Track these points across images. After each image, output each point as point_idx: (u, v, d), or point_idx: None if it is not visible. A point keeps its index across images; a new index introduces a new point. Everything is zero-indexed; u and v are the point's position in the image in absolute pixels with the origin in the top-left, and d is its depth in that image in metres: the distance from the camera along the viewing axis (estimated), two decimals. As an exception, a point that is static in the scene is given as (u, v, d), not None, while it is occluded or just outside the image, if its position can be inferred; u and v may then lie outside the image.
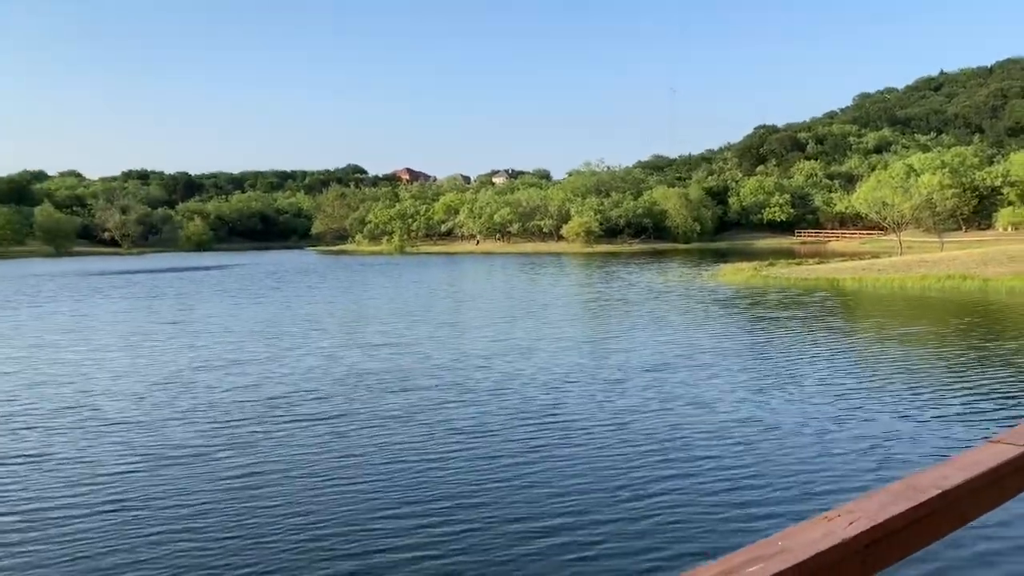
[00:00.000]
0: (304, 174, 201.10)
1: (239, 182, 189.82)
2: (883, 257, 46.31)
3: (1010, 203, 79.11)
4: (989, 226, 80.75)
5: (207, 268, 68.82)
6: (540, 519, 8.54)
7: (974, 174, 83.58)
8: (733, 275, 41.62)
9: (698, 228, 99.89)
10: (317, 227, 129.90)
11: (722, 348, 19.42)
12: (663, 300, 32.12)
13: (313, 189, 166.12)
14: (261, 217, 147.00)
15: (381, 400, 14.56)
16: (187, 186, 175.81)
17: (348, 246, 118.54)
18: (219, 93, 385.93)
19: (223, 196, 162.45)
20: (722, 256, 68.02)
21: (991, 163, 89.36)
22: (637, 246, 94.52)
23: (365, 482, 9.97)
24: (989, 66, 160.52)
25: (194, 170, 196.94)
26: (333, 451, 11.39)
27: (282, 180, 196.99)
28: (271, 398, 14.92)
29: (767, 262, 46.82)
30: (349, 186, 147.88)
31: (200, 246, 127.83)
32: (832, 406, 13.13)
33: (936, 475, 2.50)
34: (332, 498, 9.40)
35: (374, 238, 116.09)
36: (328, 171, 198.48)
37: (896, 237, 58.25)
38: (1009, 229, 76.36)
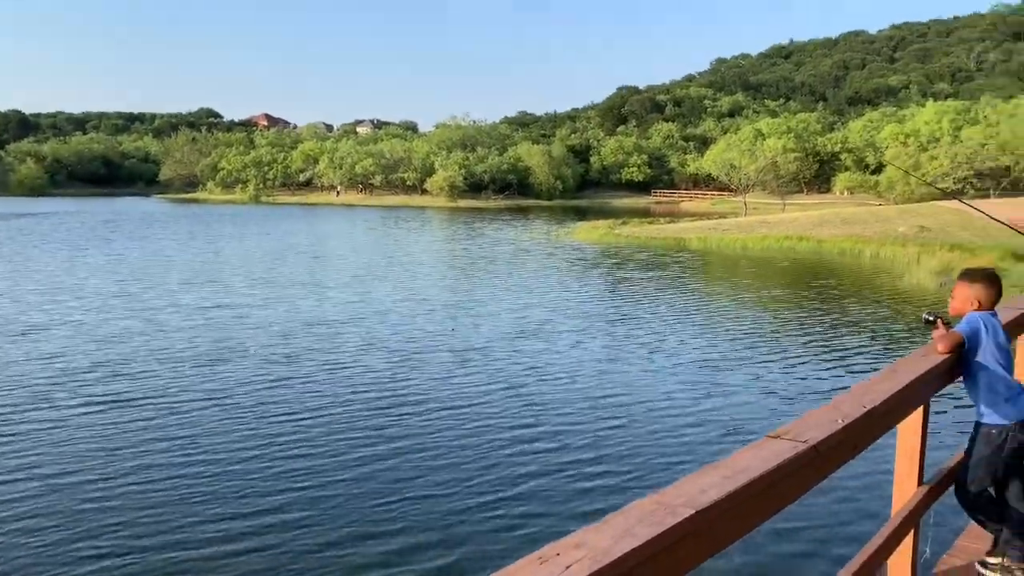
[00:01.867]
0: (153, 116, 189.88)
1: (81, 123, 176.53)
2: (729, 218, 48.21)
3: (847, 168, 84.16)
4: (828, 190, 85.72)
5: (36, 215, 63.24)
6: (377, 519, 7.46)
7: (816, 140, 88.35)
8: (588, 233, 42.21)
9: (560, 186, 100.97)
10: (165, 173, 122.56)
11: (583, 312, 18.98)
12: (523, 259, 31.81)
13: (162, 133, 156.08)
14: (104, 161, 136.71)
15: (196, 377, 12.68)
16: (20, 125, 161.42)
17: (199, 194, 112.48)
18: (60, 26, 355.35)
19: (62, 138, 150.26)
20: (582, 214, 68.90)
21: (832, 130, 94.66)
22: (501, 202, 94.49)
23: (159, 486, 8.36)
24: (834, 37, 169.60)
25: (29, 108, 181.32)
26: (120, 444, 9.52)
27: (129, 122, 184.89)
28: (61, 372, 12.91)
29: (621, 221, 47.88)
30: (201, 130, 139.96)
31: (34, 191, 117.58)
32: (694, 376, 12.73)
33: (693, 488, 2.06)
34: (108, 507, 7.71)
35: (227, 186, 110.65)
36: (179, 114, 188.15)
37: (742, 199, 60.79)
38: (846, 193, 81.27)
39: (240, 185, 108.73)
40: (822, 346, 14.97)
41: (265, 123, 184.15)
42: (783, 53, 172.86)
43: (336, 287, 23.60)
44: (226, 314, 18.63)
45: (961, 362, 3.65)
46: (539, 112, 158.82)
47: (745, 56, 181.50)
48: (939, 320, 3.79)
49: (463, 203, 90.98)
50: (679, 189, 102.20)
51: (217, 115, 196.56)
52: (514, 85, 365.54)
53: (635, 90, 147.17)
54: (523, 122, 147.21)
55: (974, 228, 29.36)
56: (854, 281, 24.25)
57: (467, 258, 32.57)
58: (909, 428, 3.58)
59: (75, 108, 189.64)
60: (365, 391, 11.95)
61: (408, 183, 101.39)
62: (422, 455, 9.19)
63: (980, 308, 3.65)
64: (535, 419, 10.52)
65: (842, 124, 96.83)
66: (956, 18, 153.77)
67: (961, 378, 3.71)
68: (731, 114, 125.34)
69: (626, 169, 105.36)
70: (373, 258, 32.51)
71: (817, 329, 16.64)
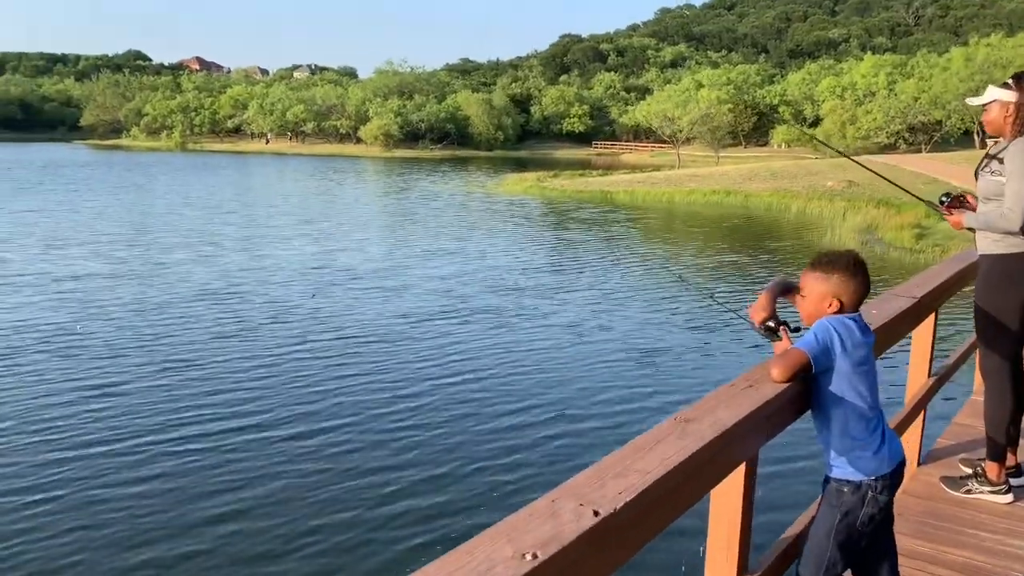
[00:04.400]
0: (77, 58, 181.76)
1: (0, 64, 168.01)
2: (663, 170, 47.31)
3: (785, 121, 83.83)
4: (766, 143, 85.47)
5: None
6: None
7: (755, 92, 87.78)
8: (514, 185, 40.90)
9: (501, 136, 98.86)
10: (87, 118, 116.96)
11: (496, 283, 16.86)
12: (445, 216, 29.65)
13: (86, 75, 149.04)
14: (21, 104, 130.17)
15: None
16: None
17: (123, 140, 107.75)
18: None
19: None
20: (523, 165, 67.09)
21: (772, 82, 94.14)
22: (439, 152, 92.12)
23: None
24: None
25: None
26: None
27: (51, 64, 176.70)
28: None
29: (552, 173, 46.68)
30: (124, 74, 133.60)
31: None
32: (604, 372, 10.65)
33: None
34: None
35: (152, 132, 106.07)
36: (106, 56, 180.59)
37: (676, 151, 59.92)
38: (783, 146, 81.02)
39: (166, 131, 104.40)
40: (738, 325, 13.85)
41: (197, 67, 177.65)
42: (726, 4, 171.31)
43: (229, 251, 20.62)
44: (84, 286, 15.81)
45: (808, 390, 2.51)
46: (481, 60, 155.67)
47: (689, 6, 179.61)
48: (783, 328, 2.64)
49: (399, 153, 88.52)
50: (620, 141, 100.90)
51: (146, 58, 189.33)
52: (458, 30, 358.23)
53: (578, 39, 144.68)
54: (464, 69, 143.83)
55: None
56: (777, 240, 23.39)
57: (387, 215, 30.71)
58: (723, 500, 2.43)
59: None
60: (193, 402, 9.20)
61: (341, 131, 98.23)
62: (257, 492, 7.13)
63: (842, 310, 2.49)
64: (415, 438, 8.33)
65: (783, 77, 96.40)
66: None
67: (810, 411, 2.59)
68: (674, 65, 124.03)
69: (567, 120, 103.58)
70: (287, 215, 29.72)
71: (731, 299, 15.64)
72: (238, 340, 11.91)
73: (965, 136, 61.16)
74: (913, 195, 4.86)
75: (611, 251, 21.06)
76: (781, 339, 2.57)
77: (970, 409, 5.25)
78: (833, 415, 2.43)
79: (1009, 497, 3.99)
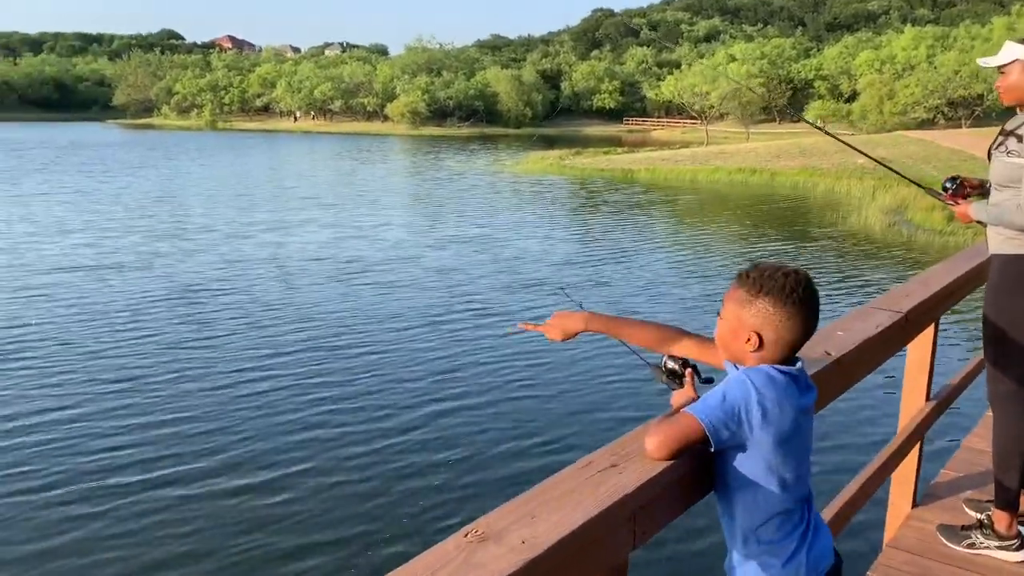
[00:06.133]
0: (112, 38, 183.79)
1: (36, 44, 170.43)
2: (692, 147, 45.99)
3: (820, 97, 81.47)
4: (801, 119, 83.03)
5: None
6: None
7: (790, 67, 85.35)
8: (534, 164, 39.76)
9: (529, 113, 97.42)
10: (119, 98, 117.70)
11: (515, 277, 16.20)
12: (469, 196, 28.44)
13: (120, 55, 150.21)
14: (56, 84, 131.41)
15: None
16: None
17: (155, 119, 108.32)
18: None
19: (12, 59, 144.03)
20: (551, 143, 65.65)
21: (808, 56, 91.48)
22: (466, 130, 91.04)
23: None
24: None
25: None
26: None
27: (86, 44, 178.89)
28: None
29: (574, 151, 45.51)
30: (155, 52, 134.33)
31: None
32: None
33: None
34: None
35: (182, 111, 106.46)
36: (139, 35, 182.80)
37: (705, 128, 58.41)
38: (818, 122, 78.78)
39: (196, 110, 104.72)
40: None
41: (229, 45, 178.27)
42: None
43: (226, 240, 19.07)
44: (54, 280, 14.52)
45: (707, 466, 1.77)
46: (512, 36, 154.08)
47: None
48: (690, 372, 1.89)
49: (426, 131, 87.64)
50: (652, 117, 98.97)
51: (178, 36, 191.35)
52: (491, 6, 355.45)
53: (610, 13, 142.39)
54: (495, 46, 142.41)
55: (938, 160, 27.44)
56: (798, 222, 22.25)
57: (405, 198, 29.58)
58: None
59: (30, 27, 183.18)
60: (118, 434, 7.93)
61: (369, 109, 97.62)
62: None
63: (771, 356, 1.73)
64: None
65: (819, 50, 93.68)
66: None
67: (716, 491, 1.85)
68: (708, 39, 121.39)
69: (598, 96, 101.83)
70: (302, 198, 28.10)
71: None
72: (196, 349, 10.53)
73: (1008, 111, 58.92)
74: (914, 183, 4.07)
75: (628, 238, 19.97)
76: (683, 387, 1.83)
77: (984, 429, 4.44)
78: (738, 503, 1.69)
79: (1020, 556, 3.22)
